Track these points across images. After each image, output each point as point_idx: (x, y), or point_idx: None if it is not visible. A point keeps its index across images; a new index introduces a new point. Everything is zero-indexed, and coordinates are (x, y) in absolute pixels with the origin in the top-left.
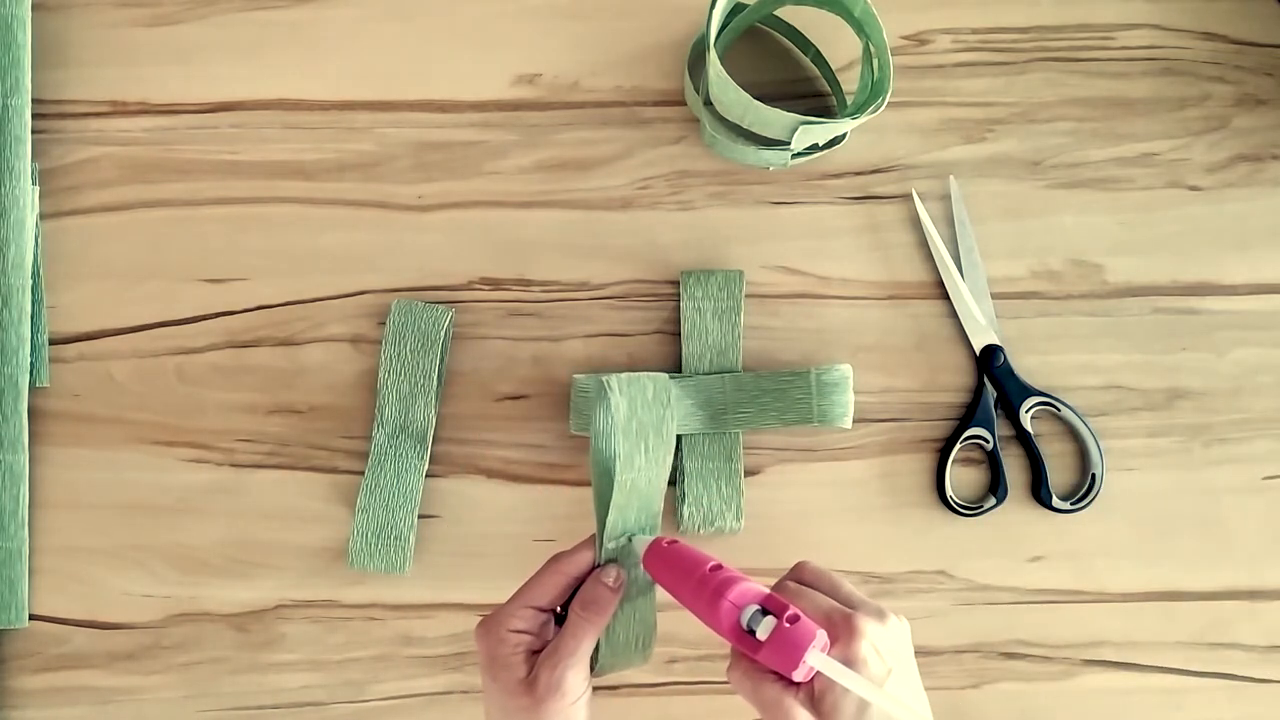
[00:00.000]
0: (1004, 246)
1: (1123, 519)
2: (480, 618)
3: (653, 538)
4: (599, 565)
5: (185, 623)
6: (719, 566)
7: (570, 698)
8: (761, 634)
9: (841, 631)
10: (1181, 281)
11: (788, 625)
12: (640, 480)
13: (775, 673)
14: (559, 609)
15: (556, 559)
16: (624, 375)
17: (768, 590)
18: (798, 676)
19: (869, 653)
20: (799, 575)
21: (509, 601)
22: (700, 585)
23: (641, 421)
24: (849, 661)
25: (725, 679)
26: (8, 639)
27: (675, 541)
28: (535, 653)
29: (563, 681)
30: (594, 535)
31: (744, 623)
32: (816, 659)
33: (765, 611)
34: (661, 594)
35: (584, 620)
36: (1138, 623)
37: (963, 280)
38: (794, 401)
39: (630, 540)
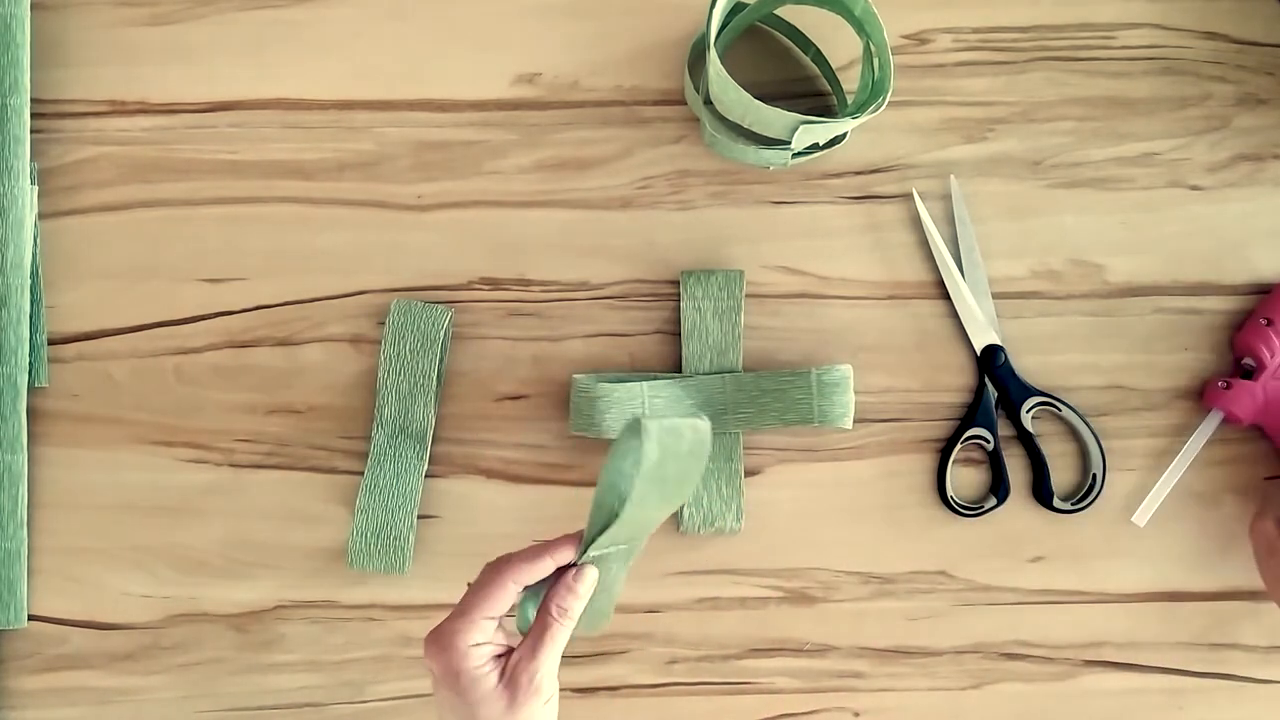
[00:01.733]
0: (1005, 246)
1: (1123, 519)
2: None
3: None
4: (576, 565)
5: (184, 623)
6: None
7: (545, 695)
8: None
9: None
10: (1182, 281)
11: None
12: (647, 519)
13: None
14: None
15: (504, 567)
16: (666, 422)
17: None
18: None
19: None
20: None
21: (462, 615)
22: None
23: (667, 473)
24: None
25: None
26: (7, 639)
27: None
28: (498, 658)
29: (543, 683)
30: (548, 542)
31: None
32: None
33: None
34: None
35: (558, 624)
36: (1138, 623)
37: (963, 280)
38: (794, 402)
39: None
